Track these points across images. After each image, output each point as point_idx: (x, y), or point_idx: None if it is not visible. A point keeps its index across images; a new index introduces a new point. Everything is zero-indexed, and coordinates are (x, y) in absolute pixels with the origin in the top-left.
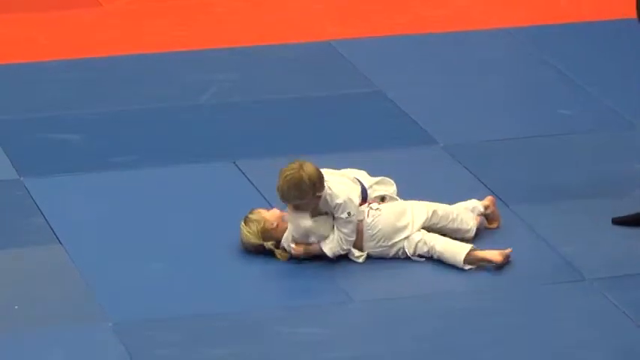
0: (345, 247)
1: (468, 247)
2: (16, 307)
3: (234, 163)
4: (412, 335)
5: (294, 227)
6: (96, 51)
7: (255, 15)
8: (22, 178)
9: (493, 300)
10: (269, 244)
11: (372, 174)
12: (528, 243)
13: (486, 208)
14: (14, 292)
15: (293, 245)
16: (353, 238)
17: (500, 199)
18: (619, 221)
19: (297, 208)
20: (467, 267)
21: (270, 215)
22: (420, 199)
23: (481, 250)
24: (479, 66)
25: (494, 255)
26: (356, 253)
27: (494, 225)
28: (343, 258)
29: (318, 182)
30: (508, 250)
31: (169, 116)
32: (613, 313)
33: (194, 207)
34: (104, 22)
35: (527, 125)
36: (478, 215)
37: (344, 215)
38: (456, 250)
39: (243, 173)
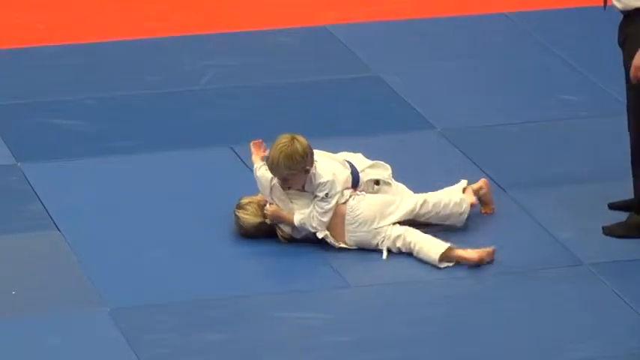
0: (313, 225)
1: (444, 245)
2: (14, 292)
3: (231, 148)
4: (410, 320)
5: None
6: (94, 36)
7: (252, 0)
8: (19, 164)
9: (491, 285)
10: (269, 220)
11: (369, 158)
12: (526, 229)
13: (479, 189)
14: (12, 277)
15: (267, 206)
16: (325, 220)
17: (498, 184)
18: (616, 206)
19: (286, 182)
20: (443, 265)
21: (260, 197)
22: (416, 185)
23: (459, 249)
24: (478, 51)
25: (470, 254)
26: (331, 238)
27: (488, 210)
28: None
29: (310, 155)
30: (490, 249)
31: (167, 101)
32: (610, 299)
33: (191, 192)
34: (102, 7)
35: (526, 110)
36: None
37: (321, 194)
38: (433, 248)
39: (240, 158)
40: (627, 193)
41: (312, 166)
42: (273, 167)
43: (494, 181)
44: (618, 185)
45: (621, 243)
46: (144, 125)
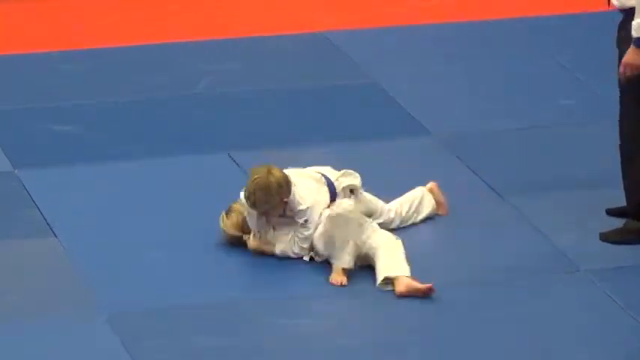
0: (295, 251)
1: (405, 271)
2: (11, 298)
3: (229, 154)
4: (409, 326)
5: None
6: (92, 42)
7: (250, 6)
8: (16, 170)
9: (488, 291)
10: (247, 237)
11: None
12: (523, 234)
13: (430, 191)
14: (9, 284)
15: (250, 237)
16: (305, 246)
17: (495, 190)
18: (614, 212)
19: (265, 214)
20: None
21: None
22: (412, 192)
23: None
24: (475, 56)
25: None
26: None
27: (442, 211)
28: None
29: (286, 187)
30: (428, 286)
31: (164, 107)
32: (608, 305)
33: (188, 198)
34: (100, 12)
35: (523, 116)
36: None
37: (301, 221)
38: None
39: (238, 165)
40: (624, 199)
41: (289, 196)
42: (250, 202)
43: (491, 187)
44: (616, 191)
45: (619, 249)
46: (141, 131)
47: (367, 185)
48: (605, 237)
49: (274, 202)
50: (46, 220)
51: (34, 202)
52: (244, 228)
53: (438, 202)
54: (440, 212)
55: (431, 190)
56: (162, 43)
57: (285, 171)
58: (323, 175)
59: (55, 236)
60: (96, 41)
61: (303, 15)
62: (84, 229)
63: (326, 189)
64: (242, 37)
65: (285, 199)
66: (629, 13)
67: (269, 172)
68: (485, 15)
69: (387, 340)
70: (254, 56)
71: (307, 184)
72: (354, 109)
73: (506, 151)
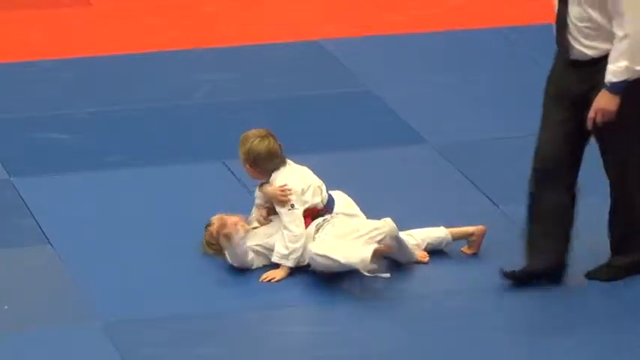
0: (291, 246)
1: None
2: (6, 307)
3: (224, 162)
4: (407, 334)
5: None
6: (86, 50)
7: (244, 15)
8: (12, 179)
9: (487, 301)
10: (211, 251)
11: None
12: (519, 243)
13: (471, 235)
14: (3, 292)
15: (269, 276)
16: (297, 232)
17: (491, 199)
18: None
19: (251, 172)
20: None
21: (219, 222)
22: (408, 199)
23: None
24: (470, 65)
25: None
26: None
27: (471, 251)
28: None
29: (256, 157)
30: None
31: (159, 116)
32: (607, 314)
33: (184, 207)
34: (94, 21)
35: (520, 124)
36: (447, 244)
37: (284, 209)
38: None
39: (233, 173)
40: None
41: (262, 169)
42: None
43: (487, 195)
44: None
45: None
46: (136, 140)
47: (364, 193)
48: (593, 275)
49: (242, 157)
50: (41, 228)
51: (29, 210)
52: (210, 244)
53: (473, 244)
54: (467, 251)
55: (474, 233)
56: (160, 51)
57: (295, 165)
58: (330, 194)
59: (51, 245)
60: (92, 50)
61: (300, 23)
62: (80, 237)
63: (321, 194)
64: (238, 46)
65: (256, 168)
66: (602, 60)
67: (261, 136)
68: (482, 24)
69: (385, 349)
70: (250, 65)
71: (300, 175)
72: (350, 118)
73: (503, 159)
